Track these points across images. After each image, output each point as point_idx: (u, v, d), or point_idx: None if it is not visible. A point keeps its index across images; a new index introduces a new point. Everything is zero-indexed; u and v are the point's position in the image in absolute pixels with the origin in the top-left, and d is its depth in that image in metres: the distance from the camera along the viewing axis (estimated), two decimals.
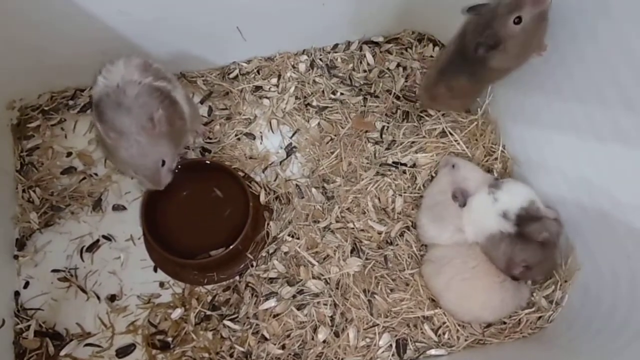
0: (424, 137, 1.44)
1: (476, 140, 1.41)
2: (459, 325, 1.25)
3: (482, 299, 1.21)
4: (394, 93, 1.50)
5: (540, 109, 1.21)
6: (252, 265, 1.33)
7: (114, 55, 1.20)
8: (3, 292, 1.31)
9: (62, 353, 1.27)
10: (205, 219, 1.35)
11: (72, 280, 1.34)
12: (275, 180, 1.42)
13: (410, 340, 1.25)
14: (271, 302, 1.28)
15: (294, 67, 1.56)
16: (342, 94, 1.51)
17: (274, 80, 1.54)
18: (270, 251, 1.35)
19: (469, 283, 1.21)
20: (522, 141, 1.32)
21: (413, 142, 1.43)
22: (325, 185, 1.41)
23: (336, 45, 1.59)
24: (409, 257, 1.32)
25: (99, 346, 1.28)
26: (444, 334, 1.26)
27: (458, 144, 1.40)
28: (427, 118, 1.46)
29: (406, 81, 1.52)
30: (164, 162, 1.16)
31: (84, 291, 1.34)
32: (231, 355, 1.25)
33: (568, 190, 1.17)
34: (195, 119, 1.40)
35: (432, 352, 1.24)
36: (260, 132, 1.50)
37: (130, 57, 1.18)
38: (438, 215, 1.28)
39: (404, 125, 1.46)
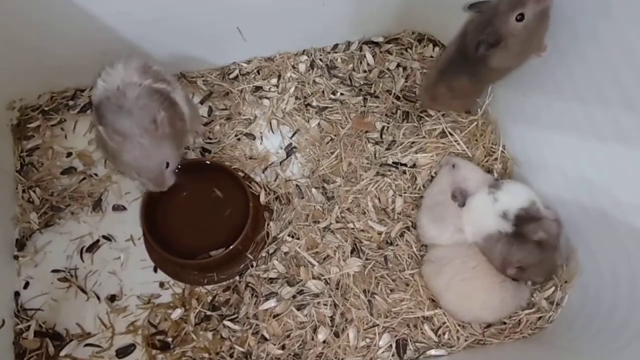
0: (424, 137, 1.44)
1: (476, 140, 1.41)
2: (459, 325, 1.25)
3: (482, 299, 1.21)
4: (394, 93, 1.50)
5: (540, 109, 1.21)
6: (252, 266, 1.33)
7: (114, 55, 1.20)
8: (3, 293, 1.31)
9: (62, 353, 1.27)
10: (205, 219, 1.35)
11: (72, 280, 1.34)
12: (275, 181, 1.42)
13: (410, 340, 1.25)
14: (271, 303, 1.28)
15: (294, 67, 1.56)
16: (342, 94, 1.51)
17: (274, 81, 1.54)
18: (270, 251, 1.35)
19: (469, 283, 1.21)
20: (522, 141, 1.32)
21: (413, 143, 1.43)
22: (325, 185, 1.41)
23: (336, 46, 1.59)
24: (409, 258, 1.32)
25: (99, 346, 1.28)
26: (444, 334, 1.26)
27: (458, 144, 1.40)
28: (427, 118, 1.46)
29: (406, 81, 1.52)
30: (167, 164, 1.16)
31: (84, 291, 1.34)
32: (231, 356, 1.25)
33: (568, 191, 1.17)
34: (195, 120, 1.40)
35: (432, 352, 1.24)
36: (260, 133, 1.50)
37: (129, 59, 1.18)
38: (438, 216, 1.28)
39: (404, 126, 1.46)
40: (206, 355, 1.26)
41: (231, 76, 1.56)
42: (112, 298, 1.33)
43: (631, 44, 0.91)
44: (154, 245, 1.27)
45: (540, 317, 1.23)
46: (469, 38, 1.13)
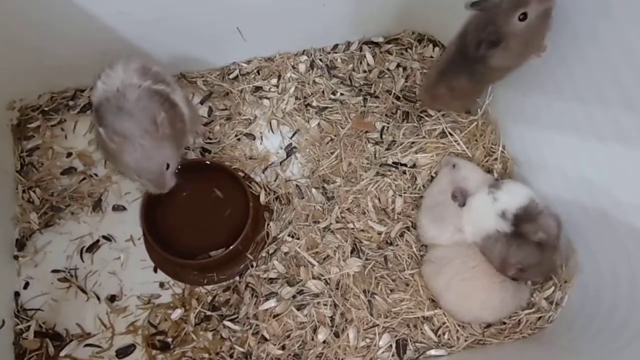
0: (424, 137, 1.44)
1: (476, 140, 1.41)
2: (458, 325, 1.25)
3: (482, 299, 1.21)
4: (394, 93, 1.50)
5: (540, 109, 1.21)
6: (252, 266, 1.33)
7: (114, 55, 1.20)
8: (3, 293, 1.31)
9: (62, 353, 1.27)
10: (205, 219, 1.35)
11: (72, 280, 1.34)
12: (275, 181, 1.42)
13: (410, 340, 1.25)
14: (271, 303, 1.28)
15: (294, 67, 1.56)
16: (342, 94, 1.51)
17: (274, 81, 1.55)
18: (270, 251, 1.35)
19: (469, 283, 1.21)
20: (522, 141, 1.32)
21: (413, 143, 1.43)
22: (325, 185, 1.41)
23: (336, 46, 1.59)
24: (409, 258, 1.32)
25: (99, 347, 1.28)
26: (443, 334, 1.26)
27: (458, 144, 1.40)
28: (427, 118, 1.46)
29: (406, 82, 1.52)
30: (168, 166, 1.16)
31: (84, 291, 1.34)
32: (231, 356, 1.25)
33: (568, 190, 1.17)
34: (195, 121, 1.40)
35: (432, 352, 1.24)
36: (260, 133, 1.50)
37: (128, 61, 1.18)
38: (438, 216, 1.28)
39: (404, 126, 1.46)
40: (206, 355, 1.26)
41: (231, 76, 1.56)
42: (112, 298, 1.33)
43: (631, 44, 0.91)
44: (154, 245, 1.27)
45: (540, 317, 1.23)
46: (469, 37, 1.12)
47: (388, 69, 1.54)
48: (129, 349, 1.28)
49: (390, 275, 1.31)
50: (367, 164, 1.42)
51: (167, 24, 1.35)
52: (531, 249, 1.14)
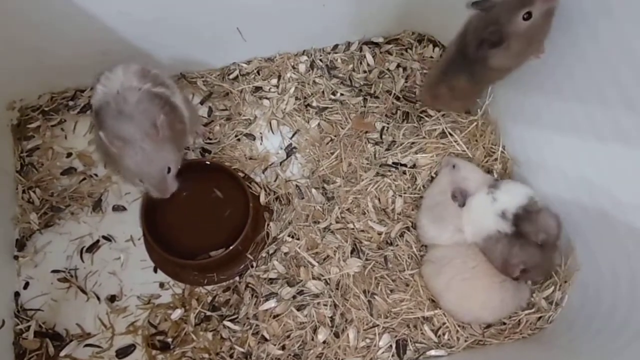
0: (423, 137, 1.44)
1: (476, 140, 1.41)
2: (458, 326, 1.25)
3: (482, 299, 1.21)
4: (394, 94, 1.50)
5: (540, 109, 1.21)
6: (252, 266, 1.33)
7: (114, 55, 1.20)
8: (3, 293, 1.31)
9: (62, 354, 1.27)
10: (205, 219, 1.34)
11: (72, 280, 1.34)
12: (275, 181, 1.42)
13: (410, 340, 1.25)
14: (271, 303, 1.28)
15: (294, 67, 1.56)
16: (342, 94, 1.51)
17: (274, 81, 1.55)
18: (270, 252, 1.35)
19: (469, 283, 1.21)
20: (522, 142, 1.32)
21: (413, 143, 1.44)
22: (325, 185, 1.41)
23: (336, 46, 1.59)
24: (409, 258, 1.32)
25: (99, 347, 1.28)
26: (443, 334, 1.26)
27: (458, 144, 1.40)
28: (427, 119, 1.46)
29: (406, 82, 1.53)
30: (169, 170, 1.16)
31: (84, 292, 1.34)
32: (231, 356, 1.25)
33: (568, 190, 1.17)
34: (195, 122, 1.40)
35: (432, 352, 1.24)
36: (260, 133, 1.50)
37: (128, 64, 1.17)
38: (438, 216, 1.28)
39: (404, 126, 1.46)
40: (206, 355, 1.26)
41: (231, 76, 1.56)
42: (112, 298, 1.33)
43: (631, 44, 0.91)
44: (154, 245, 1.27)
45: (540, 317, 1.23)
46: (470, 37, 1.12)
47: (388, 69, 1.54)
48: (129, 349, 1.28)
49: (390, 276, 1.31)
50: (367, 164, 1.42)
51: (167, 24, 1.35)
52: (533, 249, 1.14)
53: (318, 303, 1.28)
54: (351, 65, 1.56)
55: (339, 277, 1.30)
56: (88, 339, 1.29)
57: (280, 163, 1.45)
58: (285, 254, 1.34)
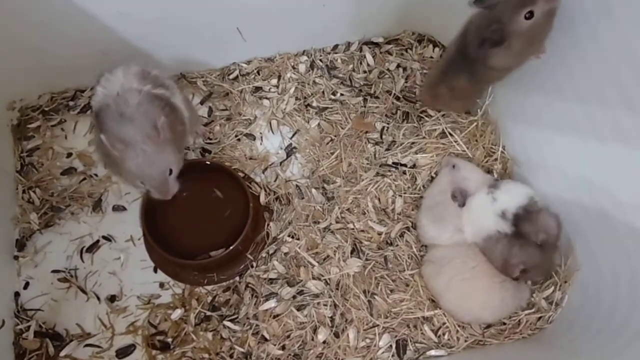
0: (423, 137, 1.44)
1: (476, 141, 1.41)
2: (458, 326, 1.25)
3: (482, 299, 1.21)
4: (394, 94, 1.50)
5: (540, 109, 1.21)
6: (252, 266, 1.33)
7: (115, 55, 1.20)
8: (3, 293, 1.32)
9: (62, 354, 1.27)
10: (206, 219, 1.34)
11: (72, 280, 1.34)
12: (275, 181, 1.42)
13: (410, 340, 1.25)
14: (271, 303, 1.28)
15: (294, 67, 1.56)
16: (342, 94, 1.52)
17: (274, 81, 1.55)
18: (270, 252, 1.35)
19: (469, 283, 1.21)
20: (522, 142, 1.32)
21: (413, 143, 1.44)
22: (325, 185, 1.41)
23: (336, 46, 1.59)
24: (409, 258, 1.32)
25: (99, 347, 1.28)
26: (443, 334, 1.26)
27: (458, 144, 1.40)
28: (427, 119, 1.46)
29: (406, 82, 1.53)
30: (170, 172, 1.16)
31: (84, 292, 1.34)
32: (231, 356, 1.25)
33: (568, 190, 1.17)
34: (195, 122, 1.40)
35: (432, 352, 1.24)
36: (260, 133, 1.50)
37: (128, 65, 1.17)
38: (438, 216, 1.28)
39: (404, 126, 1.46)
40: (206, 355, 1.26)
41: (231, 77, 1.56)
42: (112, 298, 1.33)
43: (631, 44, 0.91)
44: (154, 245, 1.27)
45: (540, 318, 1.23)
46: (471, 36, 1.12)
47: (388, 70, 1.54)
48: (129, 349, 1.28)
49: (390, 276, 1.31)
50: (367, 164, 1.42)
51: (167, 24, 1.35)
52: (532, 249, 1.14)
53: (318, 303, 1.28)
54: (351, 66, 1.56)
55: (339, 277, 1.30)
56: (88, 339, 1.29)
57: (280, 163, 1.45)
58: (285, 254, 1.34)
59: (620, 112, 0.96)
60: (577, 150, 1.11)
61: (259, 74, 1.56)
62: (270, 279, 1.32)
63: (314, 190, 1.40)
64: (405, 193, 1.39)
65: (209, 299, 1.32)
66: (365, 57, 1.56)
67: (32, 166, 1.46)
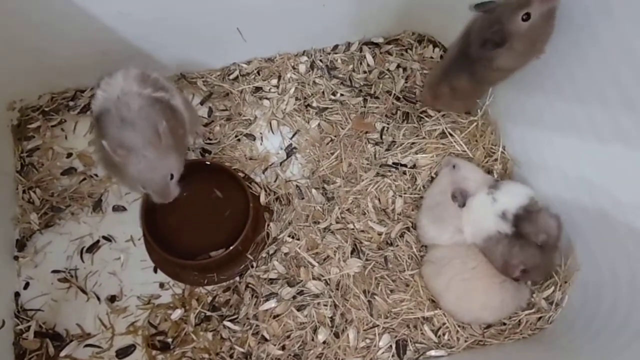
0: (424, 138, 1.44)
1: (476, 141, 1.41)
2: (458, 326, 1.25)
3: (482, 299, 1.21)
4: (394, 94, 1.50)
5: (540, 109, 1.21)
6: (252, 266, 1.33)
7: (115, 55, 1.20)
8: (3, 293, 1.31)
9: (62, 354, 1.27)
10: (206, 219, 1.34)
11: (72, 281, 1.34)
12: (275, 181, 1.42)
13: (410, 341, 1.25)
14: (271, 303, 1.28)
15: (294, 68, 1.56)
16: (342, 95, 1.52)
17: (274, 81, 1.55)
18: (271, 252, 1.35)
19: (469, 284, 1.21)
20: (522, 142, 1.32)
21: (413, 143, 1.44)
22: (325, 186, 1.41)
23: (336, 46, 1.59)
24: (409, 258, 1.32)
25: (99, 347, 1.28)
26: (443, 334, 1.26)
27: (458, 145, 1.40)
28: (427, 119, 1.46)
29: (406, 82, 1.53)
30: (172, 176, 1.15)
31: (84, 292, 1.34)
32: (231, 356, 1.25)
33: (568, 191, 1.17)
34: (195, 123, 1.40)
35: (432, 353, 1.24)
36: (261, 133, 1.50)
37: (128, 68, 1.16)
38: (438, 216, 1.28)
39: (404, 126, 1.46)
40: (206, 355, 1.26)
41: (231, 77, 1.56)
42: (112, 298, 1.33)
43: (631, 44, 0.91)
44: (154, 245, 1.27)
45: (540, 318, 1.23)
46: (473, 37, 1.13)
47: (388, 70, 1.54)
48: (129, 350, 1.28)
49: (390, 276, 1.31)
50: (367, 164, 1.42)
51: (167, 24, 1.35)
52: (533, 250, 1.14)
53: (318, 303, 1.28)
54: (351, 66, 1.56)
55: (339, 278, 1.30)
56: (88, 339, 1.29)
57: (281, 163, 1.45)
58: (286, 254, 1.34)
59: (620, 113, 0.96)
60: (577, 151, 1.11)
61: (259, 74, 1.56)
62: (271, 279, 1.32)
63: (314, 191, 1.40)
64: (405, 193, 1.39)
65: (209, 299, 1.32)
66: (365, 57, 1.56)
67: (32, 166, 1.46)
